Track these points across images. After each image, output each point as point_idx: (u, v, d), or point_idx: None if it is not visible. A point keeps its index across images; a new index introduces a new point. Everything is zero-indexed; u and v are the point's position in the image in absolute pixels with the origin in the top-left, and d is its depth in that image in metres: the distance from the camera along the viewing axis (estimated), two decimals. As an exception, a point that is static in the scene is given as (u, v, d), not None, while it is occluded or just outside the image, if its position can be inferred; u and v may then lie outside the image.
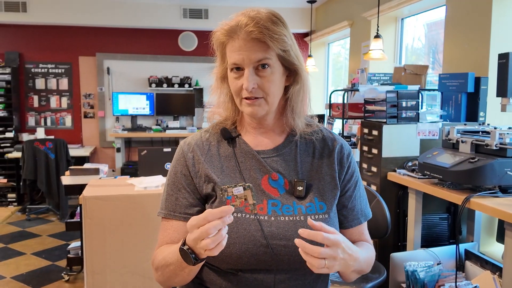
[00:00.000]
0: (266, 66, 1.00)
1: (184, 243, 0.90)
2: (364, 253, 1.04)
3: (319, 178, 1.08)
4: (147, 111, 6.16)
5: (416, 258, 2.23)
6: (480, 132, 2.28)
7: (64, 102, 6.19)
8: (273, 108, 1.06)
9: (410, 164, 2.59)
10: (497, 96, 2.22)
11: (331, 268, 0.89)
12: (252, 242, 0.99)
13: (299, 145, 1.11)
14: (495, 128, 2.17)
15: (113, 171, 5.94)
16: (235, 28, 1.00)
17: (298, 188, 1.04)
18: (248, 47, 0.98)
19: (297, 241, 0.87)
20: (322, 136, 1.14)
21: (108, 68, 6.17)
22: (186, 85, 6.30)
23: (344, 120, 3.72)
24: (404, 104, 2.64)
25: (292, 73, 1.06)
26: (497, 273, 2.03)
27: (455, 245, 2.26)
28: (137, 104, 6.13)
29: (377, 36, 3.68)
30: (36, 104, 6.10)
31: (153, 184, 2.70)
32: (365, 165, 2.84)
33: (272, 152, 1.09)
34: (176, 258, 0.93)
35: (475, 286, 2.04)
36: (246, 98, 1.02)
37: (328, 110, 3.88)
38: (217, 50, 1.06)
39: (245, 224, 1.00)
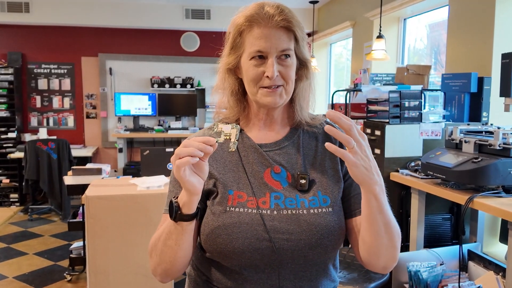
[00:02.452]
0: (288, 56, 1.01)
1: (176, 198, 0.97)
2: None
3: (322, 171, 1.07)
4: (149, 111, 6.16)
5: (419, 259, 2.23)
6: (484, 132, 2.27)
7: (67, 102, 6.21)
8: (288, 99, 1.06)
9: (413, 164, 2.59)
10: (500, 96, 2.22)
11: (357, 155, 0.87)
12: (255, 237, 0.98)
13: (302, 139, 1.10)
14: (498, 128, 2.17)
15: (115, 171, 5.95)
16: (260, 15, 0.99)
17: (300, 181, 1.04)
18: (276, 36, 0.99)
19: (327, 127, 0.88)
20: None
21: (110, 69, 6.18)
22: (188, 86, 6.30)
23: (347, 121, 3.70)
24: (407, 104, 2.64)
25: (301, 67, 1.07)
26: (500, 274, 2.03)
27: (458, 246, 2.26)
28: (139, 104, 6.14)
29: (380, 37, 3.67)
30: (38, 105, 6.12)
31: (155, 184, 2.70)
32: (367, 165, 2.83)
33: (275, 145, 1.09)
34: (165, 226, 0.99)
35: (478, 287, 2.03)
36: (265, 87, 1.01)
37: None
38: (232, 39, 1.04)
39: (247, 218, 1.00)
